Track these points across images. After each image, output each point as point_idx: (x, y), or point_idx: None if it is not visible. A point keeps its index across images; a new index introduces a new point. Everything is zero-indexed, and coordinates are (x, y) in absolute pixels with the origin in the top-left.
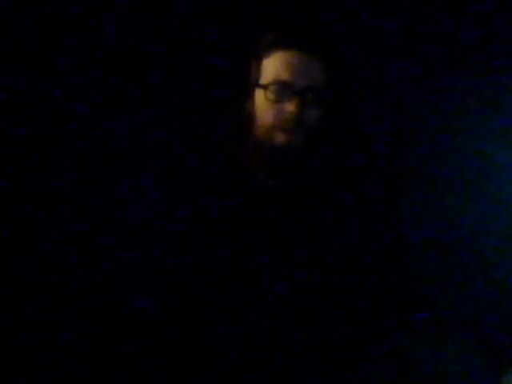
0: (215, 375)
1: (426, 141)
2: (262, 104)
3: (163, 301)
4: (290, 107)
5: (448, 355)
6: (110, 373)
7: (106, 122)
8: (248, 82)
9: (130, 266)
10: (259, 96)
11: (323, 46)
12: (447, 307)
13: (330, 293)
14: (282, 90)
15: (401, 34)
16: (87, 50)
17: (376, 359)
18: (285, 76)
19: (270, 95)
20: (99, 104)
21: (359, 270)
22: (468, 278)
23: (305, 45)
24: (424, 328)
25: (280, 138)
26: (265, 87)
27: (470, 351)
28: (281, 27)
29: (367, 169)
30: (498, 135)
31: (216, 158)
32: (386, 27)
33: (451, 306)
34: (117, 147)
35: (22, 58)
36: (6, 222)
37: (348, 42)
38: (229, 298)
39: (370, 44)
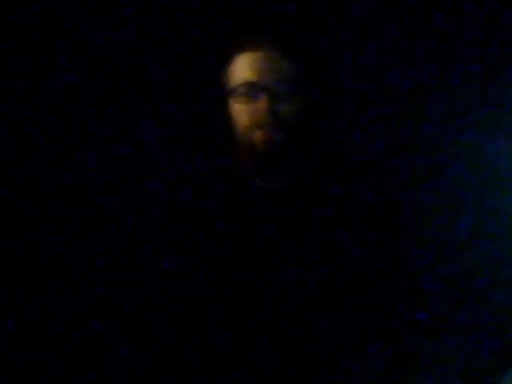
0: (215, 375)
1: (424, 139)
2: (236, 107)
3: (165, 303)
4: (261, 105)
5: (448, 355)
6: (110, 373)
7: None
8: (223, 87)
9: (131, 268)
10: (232, 99)
11: (287, 42)
12: (447, 307)
13: (329, 292)
14: (251, 90)
15: (398, 30)
16: (79, 54)
17: (376, 359)
18: (250, 76)
19: (240, 97)
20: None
21: (358, 270)
22: (468, 277)
23: (267, 43)
24: (424, 328)
25: (259, 136)
26: (234, 90)
27: (469, 350)
28: (245, 30)
29: (358, 164)
30: (499, 135)
31: (205, 162)
32: (380, 23)
33: (451, 305)
34: (116, 151)
35: (22, 59)
36: (10, 221)
37: (342, 36)
38: (229, 299)
39: (367, 42)
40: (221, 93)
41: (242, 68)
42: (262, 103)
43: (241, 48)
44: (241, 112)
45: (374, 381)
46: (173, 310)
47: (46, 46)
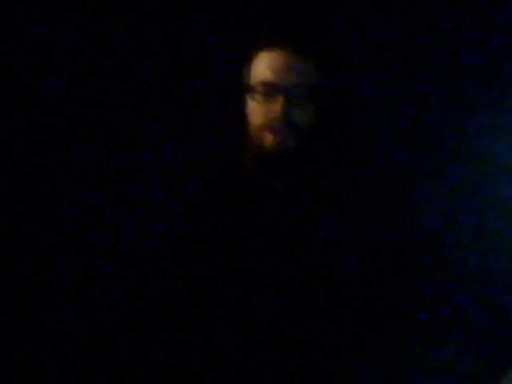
0: (215, 374)
1: (428, 141)
2: (252, 105)
3: (165, 301)
4: (276, 107)
5: (448, 355)
6: (110, 373)
7: (105, 126)
8: (241, 85)
9: (131, 265)
10: (248, 98)
11: (310, 45)
12: (447, 307)
13: (330, 292)
14: (268, 90)
15: (402, 32)
16: (85, 50)
17: (375, 359)
18: (269, 76)
19: (257, 96)
20: (98, 108)
21: (360, 270)
22: (468, 278)
23: (290, 44)
24: (424, 328)
25: (269, 138)
26: (252, 89)
27: (470, 351)
28: (267, 28)
29: (367, 169)
30: (500, 135)
31: (216, 159)
32: (386, 26)
33: (451, 306)
34: (118, 149)
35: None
36: (9, 223)
37: (347, 40)
38: (230, 298)
39: (372, 44)
40: (238, 88)
41: (263, 67)
42: (277, 105)
43: (264, 46)
44: (255, 111)
45: (374, 381)
46: (174, 308)
47: (46, 45)
